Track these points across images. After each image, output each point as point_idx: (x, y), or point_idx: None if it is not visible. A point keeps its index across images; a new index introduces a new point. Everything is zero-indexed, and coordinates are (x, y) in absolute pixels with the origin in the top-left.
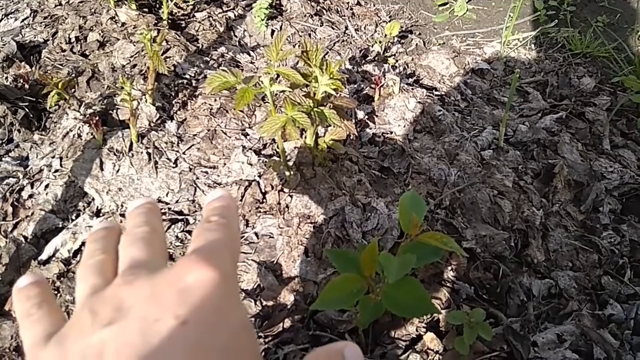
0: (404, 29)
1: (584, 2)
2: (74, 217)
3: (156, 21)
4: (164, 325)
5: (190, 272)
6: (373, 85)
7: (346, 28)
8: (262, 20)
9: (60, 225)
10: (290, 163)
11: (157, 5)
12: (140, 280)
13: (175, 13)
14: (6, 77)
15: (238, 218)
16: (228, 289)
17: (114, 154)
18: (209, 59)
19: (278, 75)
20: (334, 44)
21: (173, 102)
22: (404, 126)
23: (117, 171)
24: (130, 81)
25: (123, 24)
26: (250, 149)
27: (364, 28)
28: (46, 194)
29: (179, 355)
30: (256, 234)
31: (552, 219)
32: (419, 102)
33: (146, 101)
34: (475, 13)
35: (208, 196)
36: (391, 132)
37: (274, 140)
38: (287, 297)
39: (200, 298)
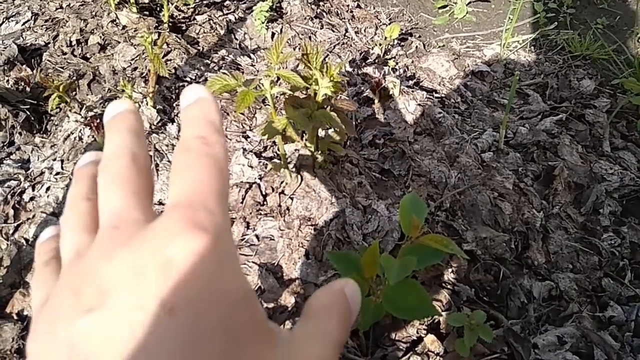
0: (404, 31)
1: (584, 4)
2: None
3: (157, 24)
4: (149, 314)
5: (174, 240)
6: (373, 88)
7: (346, 31)
8: (263, 23)
9: None
10: (291, 165)
11: (158, 8)
12: (119, 252)
13: (176, 16)
14: (7, 80)
15: (223, 134)
16: (221, 253)
17: None
18: (209, 62)
19: (278, 78)
20: (334, 46)
21: (174, 104)
22: (404, 128)
23: None
24: (131, 84)
25: (124, 27)
26: (251, 151)
27: (364, 31)
28: (47, 196)
29: (166, 350)
30: (257, 236)
31: (552, 221)
32: (419, 105)
33: (147, 104)
34: (475, 15)
35: (183, 96)
36: (391, 135)
37: (274, 142)
38: (287, 299)
39: (188, 274)
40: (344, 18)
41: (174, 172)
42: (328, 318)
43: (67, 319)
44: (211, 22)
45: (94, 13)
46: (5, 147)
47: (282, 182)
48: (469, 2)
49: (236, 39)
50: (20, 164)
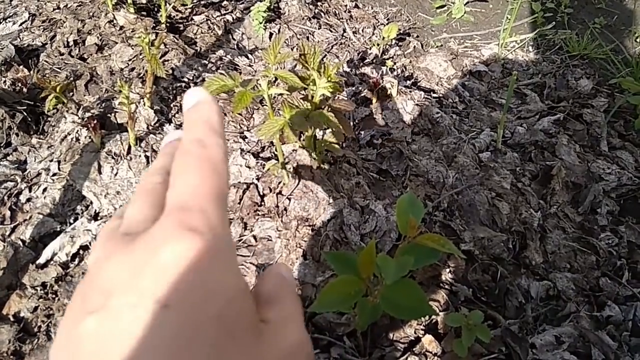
0: (401, 31)
1: (581, 4)
2: (72, 221)
3: (154, 24)
4: (144, 311)
5: (168, 244)
6: (371, 88)
7: (344, 31)
8: (260, 23)
9: (59, 229)
10: (288, 166)
11: (156, 9)
12: (118, 254)
13: (174, 16)
14: (4, 81)
15: (224, 136)
16: (215, 252)
17: (112, 158)
18: (207, 62)
19: (276, 78)
20: (332, 46)
21: (171, 105)
22: (402, 128)
23: (115, 174)
24: (128, 84)
25: (121, 27)
26: (249, 151)
27: (362, 31)
28: (44, 197)
29: (163, 342)
30: (254, 236)
31: (550, 221)
32: (417, 105)
33: (144, 104)
34: (472, 15)
35: (184, 100)
36: (389, 135)
37: (272, 143)
38: None
39: (181, 273)
40: (342, 18)
41: (172, 176)
42: (290, 301)
43: (73, 323)
44: (209, 22)
45: (91, 14)
46: (1, 148)
47: (279, 183)
48: (467, 2)
49: (234, 40)
50: (17, 165)
